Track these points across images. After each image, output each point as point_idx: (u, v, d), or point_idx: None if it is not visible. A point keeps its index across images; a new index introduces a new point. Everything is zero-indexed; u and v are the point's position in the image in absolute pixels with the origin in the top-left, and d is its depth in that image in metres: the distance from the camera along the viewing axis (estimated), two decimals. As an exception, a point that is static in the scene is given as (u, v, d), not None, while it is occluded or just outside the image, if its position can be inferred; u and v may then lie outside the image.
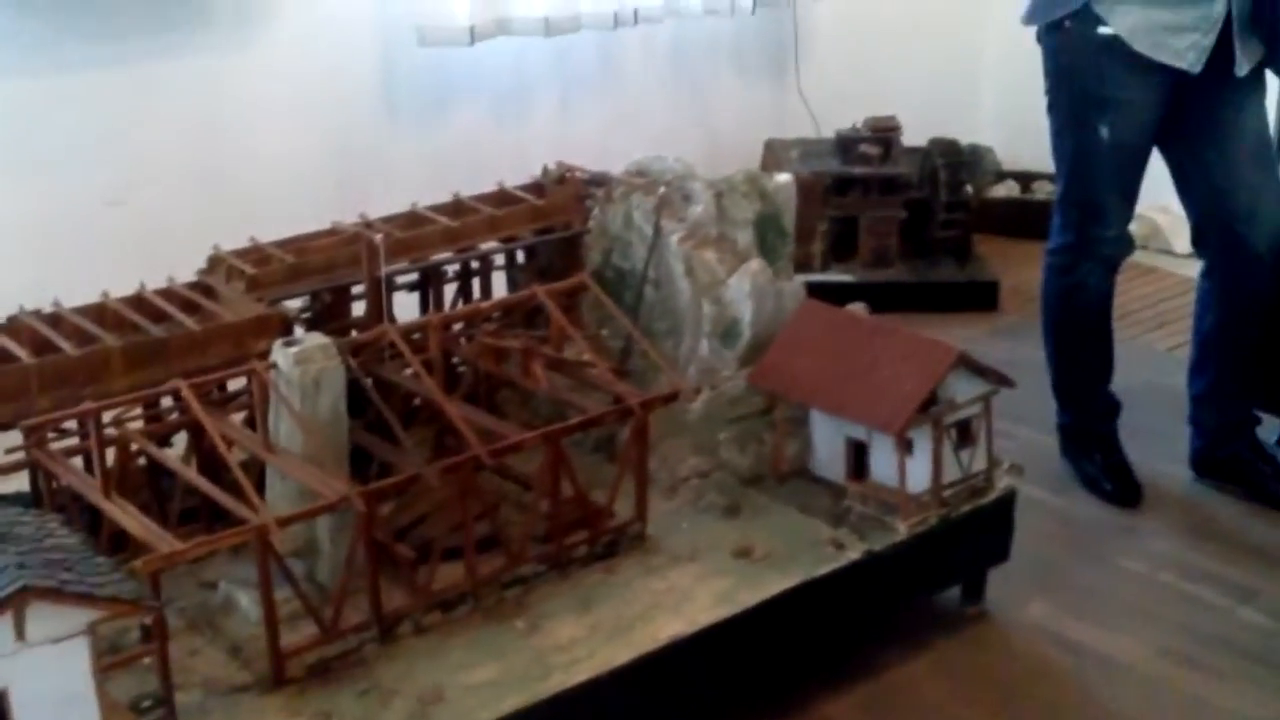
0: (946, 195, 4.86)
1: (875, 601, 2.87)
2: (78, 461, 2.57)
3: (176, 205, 3.74)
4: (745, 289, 3.06)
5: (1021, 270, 4.76)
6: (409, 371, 2.78)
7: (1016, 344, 4.20)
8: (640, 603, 2.62)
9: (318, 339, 2.56)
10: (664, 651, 2.50)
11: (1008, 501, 3.01)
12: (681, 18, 4.72)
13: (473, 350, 3.01)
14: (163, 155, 3.74)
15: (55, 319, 2.76)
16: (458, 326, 3.07)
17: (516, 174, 3.46)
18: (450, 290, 3.28)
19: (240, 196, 3.80)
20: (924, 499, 2.84)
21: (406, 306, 3.17)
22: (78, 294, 2.83)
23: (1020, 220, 5.35)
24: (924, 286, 4.86)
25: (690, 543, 2.80)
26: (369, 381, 2.73)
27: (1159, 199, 4.45)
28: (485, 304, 3.13)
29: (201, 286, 2.94)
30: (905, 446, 2.79)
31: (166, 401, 2.71)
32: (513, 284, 3.41)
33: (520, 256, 3.40)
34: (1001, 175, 5.42)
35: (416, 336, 2.89)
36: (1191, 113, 3.39)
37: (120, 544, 2.44)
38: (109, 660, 2.14)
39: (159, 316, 2.82)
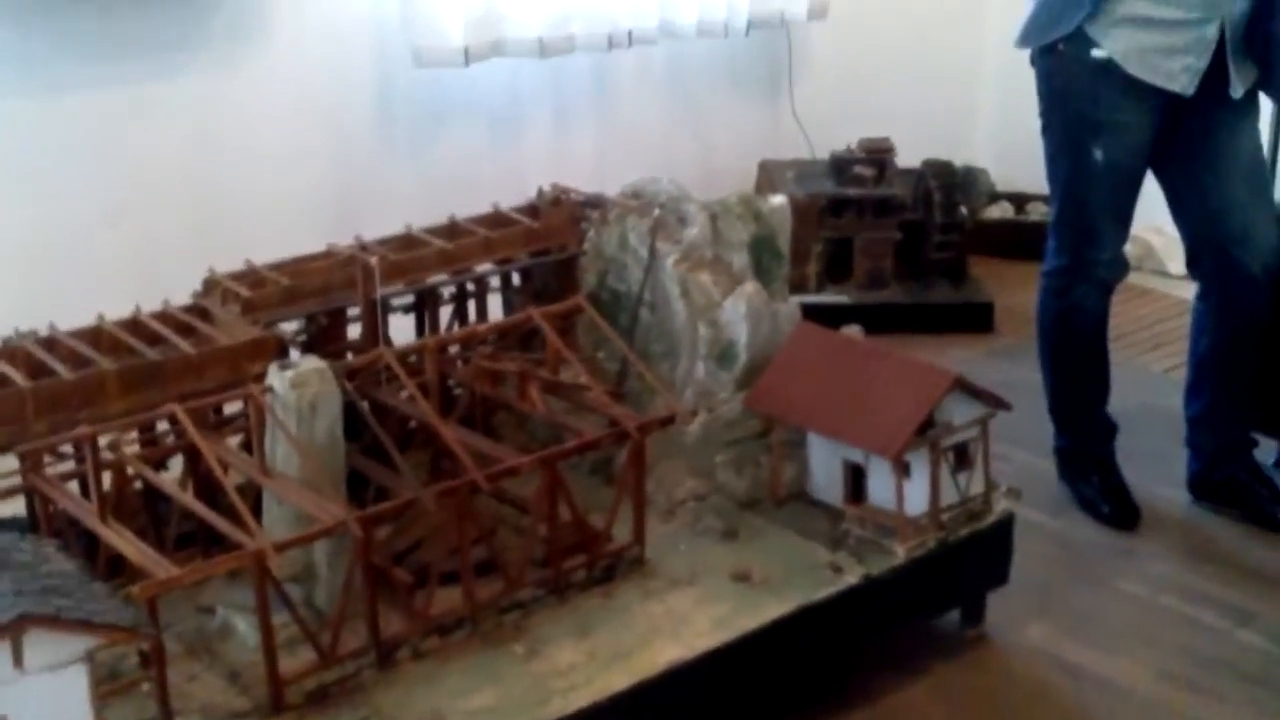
0: (941, 216, 4.85)
1: (874, 625, 2.86)
2: (74, 486, 2.55)
3: (172, 227, 3.73)
4: (741, 311, 3.05)
5: (1016, 292, 4.76)
6: (405, 394, 2.78)
7: (1012, 366, 4.20)
8: (639, 627, 2.61)
9: (314, 362, 2.56)
10: (663, 677, 2.49)
11: (1006, 525, 3.01)
12: (676, 39, 4.72)
13: (469, 373, 3.00)
14: (158, 176, 3.74)
15: (50, 342, 2.75)
16: (454, 349, 3.07)
17: (511, 196, 3.46)
18: (446, 312, 3.27)
19: (236, 218, 3.80)
20: (922, 522, 2.83)
21: (402, 329, 3.17)
22: (73, 316, 2.82)
23: (1015, 241, 5.34)
24: (919, 308, 4.86)
25: (688, 566, 2.79)
26: (365, 405, 2.72)
27: (1153, 220, 4.45)
28: (481, 327, 3.13)
29: (197, 309, 2.93)
30: (903, 470, 2.79)
31: (162, 425, 2.70)
32: (508, 306, 3.40)
33: (516, 279, 3.39)
34: (996, 196, 5.42)
35: (412, 359, 2.89)
36: (1185, 135, 3.39)
37: (117, 568, 2.43)
38: (107, 687, 2.13)
39: (154, 339, 2.81)
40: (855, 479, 2.90)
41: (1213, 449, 3.66)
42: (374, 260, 2.94)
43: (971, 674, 3.00)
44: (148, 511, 2.65)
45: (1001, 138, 5.41)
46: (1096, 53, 3.32)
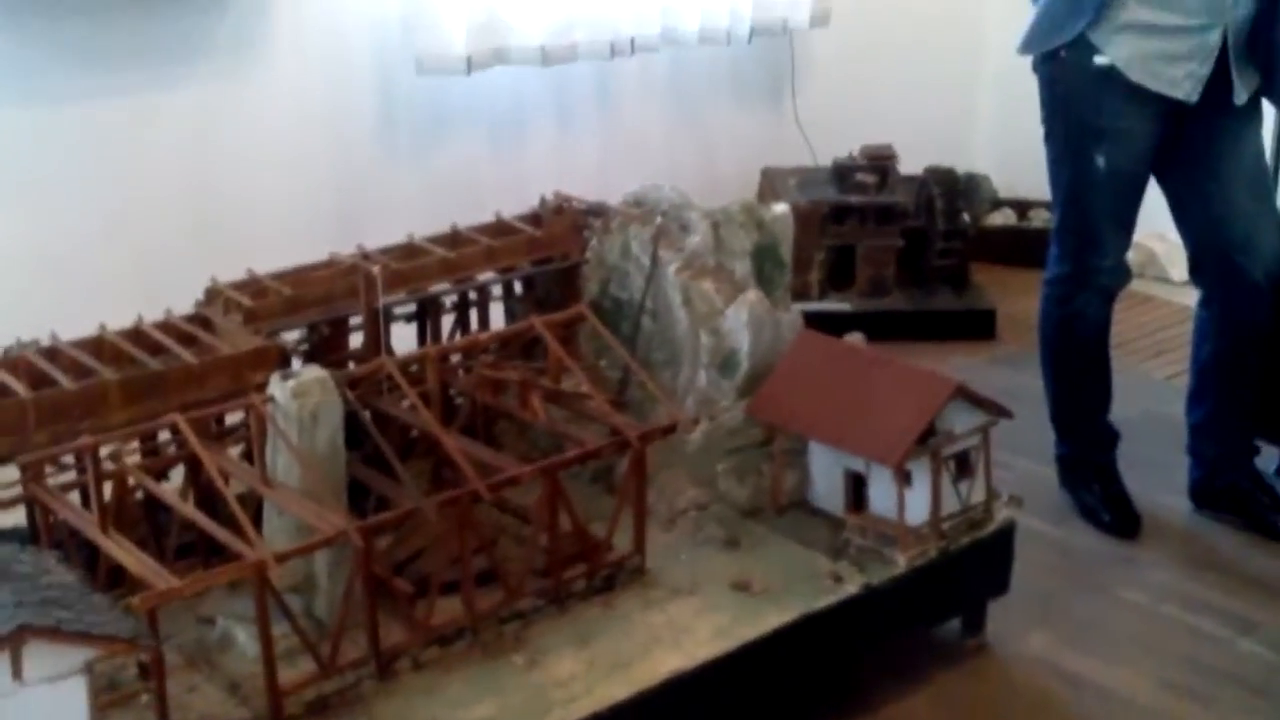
0: (943, 224, 4.86)
1: (875, 635, 2.86)
2: (75, 496, 2.56)
3: (174, 236, 3.74)
4: (743, 319, 3.05)
5: (1019, 298, 4.76)
6: (406, 404, 2.78)
7: (1014, 373, 4.20)
8: (639, 637, 2.61)
9: (315, 372, 2.55)
10: (663, 687, 2.49)
11: (1007, 533, 3.01)
12: (678, 47, 4.72)
13: (470, 382, 3.01)
14: (160, 185, 3.74)
15: (52, 352, 2.75)
16: (455, 358, 3.07)
17: (514, 204, 3.46)
18: (448, 321, 3.27)
19: (238, 228, 3.80)
20: (923, 531, 2.83)
21: (404, 338, 3.17)
22: (74, 326, 2.82)
23: (1017, 248, 5.35)
24: (921, 315, 4.86)
25: (689, 576, 2.79)
26: (366, 414, 2.73)
27: (1156, 227, 4.47)
28: (483, 335, 3.13)
29: (199, 319, 2.93)
30: (904, 478, 2.78)
31: (164, 435, 2.70)
32: (510, 315, 3.41)
33: (518, 287, 3.40)
34: (998, 203, 5.42)
35: (414, 368, 2.89)
36: (1188, 142, 3.39)
37: (118, 578, 2.43)
38: (107, 698, 2.14)
39: (156, 349, 2.81)
40: (856, 488, 2.90)
41: (1214, 457, 3.66)
42: (376, 269, 2.94)
43: (972, 683, 3.00)
44: (148, 521, 2.65)
45: (1003, 144, 5.41)
46: (1099, 59, 3.32)
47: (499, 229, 3.37)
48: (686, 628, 2.63)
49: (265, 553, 2.29)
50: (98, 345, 2.80)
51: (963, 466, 2.88)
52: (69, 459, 2.58)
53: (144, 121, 3.69)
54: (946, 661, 3.05)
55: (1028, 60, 3.49)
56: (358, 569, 2.39)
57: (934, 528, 2.84)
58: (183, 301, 2.97)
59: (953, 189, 4.88)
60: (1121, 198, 3.47)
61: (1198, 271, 3.58)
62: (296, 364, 2.87)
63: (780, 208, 3.33)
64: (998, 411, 2.90)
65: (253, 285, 3.02)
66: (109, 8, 3.57)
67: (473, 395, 2.99)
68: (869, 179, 4.87)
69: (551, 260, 3.35)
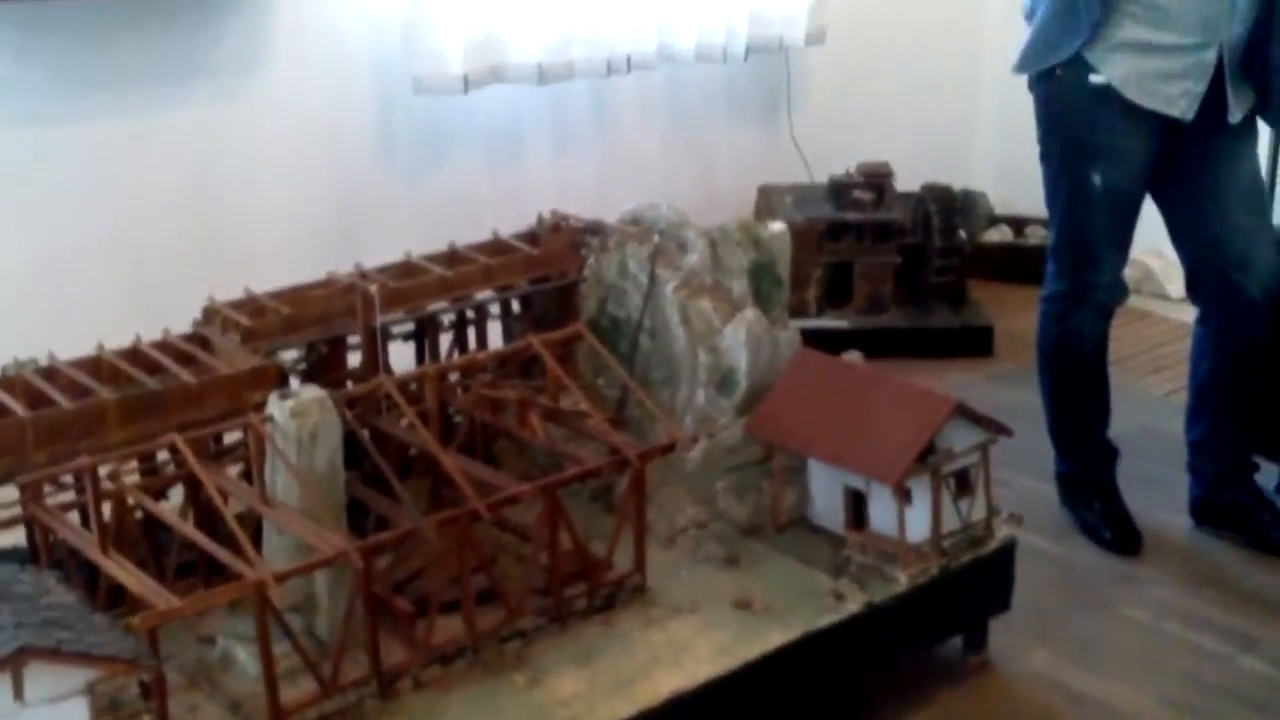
0: (940, 240, 4.87)
1: (876, 653, 2.85)
2: (74, 516, 2.55)
3: (172, 256, 3.74)
4: (741, 338, 3.05)
5: (1016, 315, 4.76)
6: (405, 423, 2.77)
7: (1013, 390, 4.20)
8: (640, 655, 2.60)
9: (314, 392, 2.55)
10: (665, 706, 2.48)
11: (1008, 551, 3.00)
12: (674, 65, 4.74)
13: (469, 401, 3.00)
14: (157, 206, 3.75)
15: (50, 372, 2.75)
16: (454, 377, 3.06)
17: (511, 223, 3.46)
18: (446, 340, 3.27)
19: (235, 247, 3.81)
20: (923, 549, 2.83)
21: (402, 357, 3.17)
22: (73, 346, 2.82)
23: (1014, 265, 5.36)
24: (919, 332, 4.87)
25: (689, 594, 2.79)
26: (365, 433, 2.72)
27: (1153, 243, 4.46)
28: (481, 354, 3.13)
29: (197, 338, 2.93)
30: (904, 496, 2.78)
31: (163, 455, 2.69)
32: (508, 333, 3.40)
33: (516, 306, 3.39)
34: (995, 220, 5.43)
35: (413, 387, 2.88)
36: (1184, 160, 3.40)
37: (118, 598, 2.42)
38: (108, 718, 2.12)
39: (154, 369, 2.80)
40: (856, 505, 2.89)
41: (1214, 473, 3.66)
42: (374, 288, 2.94)
43: (974, 701, 2.99)
44: (148, 541, 2.65)
45: (1000, 161, 5.43)
46: (1095, 78, 3.33)
47: (497, 247, 3.37)
48: (687, 646, 2.63)
49: (265, 572, 2.28)
50: (96, 365, 2.80)
51: (963, 484, 2.88)
52: (68, 479, 2.57)
53: (143, 141, 3.70)
54: (948, 679, 3.04)
55: (1024, 78, 3.50)
56: (358, 588, 2.38)
57: (935, 545, 2.84)
58: (181, 321, 2.97)
59: (949, 206, 4.88)
60: (1118, 215, 3.47)
61: (1195, 289, 3.58)
62: (295, 383, 2.87)
63: (777, 226, 3.33)
64: (997, 429, 2.90)
65: (251, 304, 3.02)
66: (109, 29, 3.58)
67: (471, 414, 2.99)
68: (866, 196, 4.88)
69: (549, 279, 3.35)
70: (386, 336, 3.04)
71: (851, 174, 4.95)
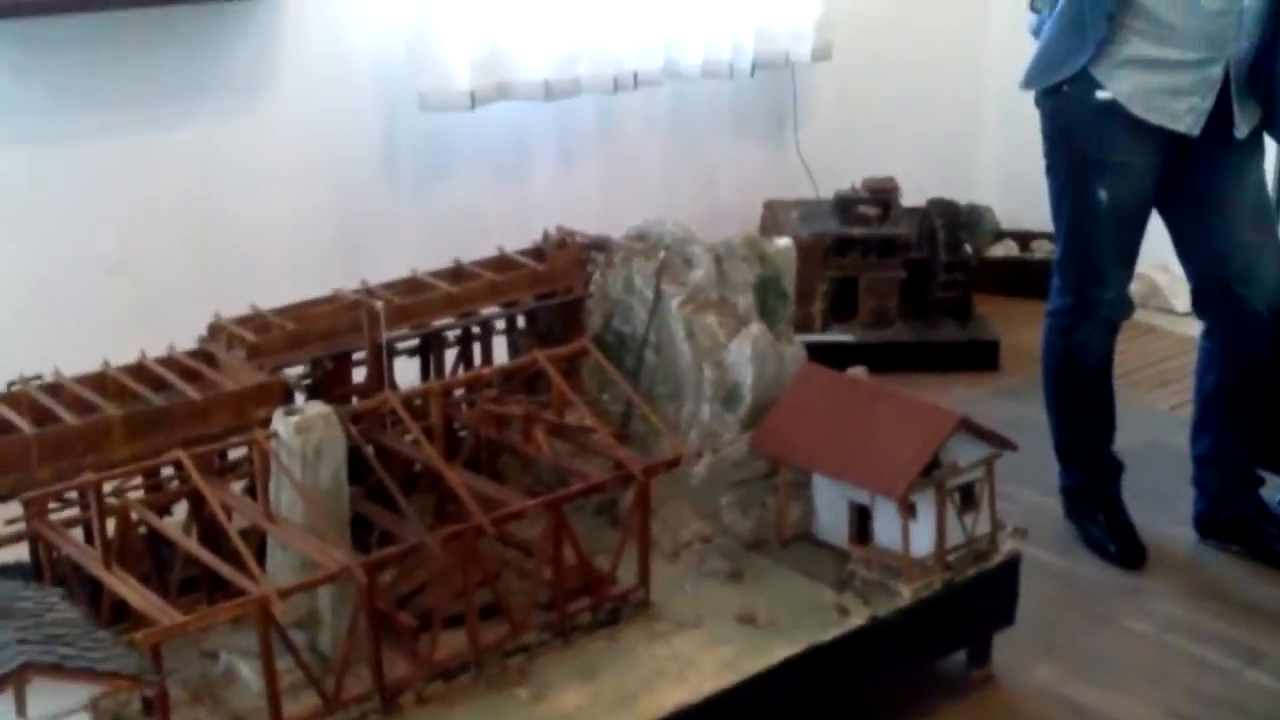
0: (946, 255, 4.86)
1: (880, 667, 2.85)
2: (78, 532, 2.55)
3: (177, 272, 3.75)
4: (746, 353, 3.05)
5: (1022, 330, 4.76)
6: (410, 438, 2.78)
7: (1018, 404, 4.19)
8: (644, 670, 2.60)
9: (319, 408, 2.56)
10: (669, 721, 2.49)
11: (1012, 565, 3.00)
12: (681, 80, 4.75)
13: (474, 416, 3.01)
14: (163, 222, 3.76)
15: (55, 388, 2.75)
16: (459, 393, 3.07)
17: (517, 239, 3.47)
18: (451, 356, 3.27)
19: (241, 263, 3.81)
20: (928, 563, 2.83)
21: (407, 373, 3.17)
22: (78, 362, 2.82)
23: (1020, 279, 5.36)
24: (924, 346, 4.86)
25: (694, 609, 2.79)
26: (370, 449, 2.73)
27: (1158, 258, 4.47)
28: (486, 370, 3.13)
29: (202, 354, 2.94)
30: (908, 511, 2.78)
31: (167, 470, 2.70)
32: (514, 349, 3.41)
33: (521, 321, 3.40)
34: (1000, 235, 5.43)
35: (417, 403, 2.89)
36: (1190, 175, 3.40)
37: (121, 613, 2.42)
38: (110, 734, 2.13)
39: (160, 385, 2.81)
40: (861, 520, 2.89)
41: (1219, 487, 3.65)
42: (379, 304, 2.95)
43: (978, 715, 2.99)
44: (151, 557, 2.65)
45: (1006, 176, 5.43)
46: (1101, 94, 3.33)
47: (502, 263, 3.37)
48: (692, 660, 2.63)
49: (269, 588, 2.29)
50: (101, 381, 2.80)
51: (967, 498, 2.88)
52: (72, 495, 2.58)
53: (147, 157, 3.71)
54: (952, 693, 3.04)
55: (1029, 93, 3.50)
56: (361, 604, 2.38)
57: (939, 560, 2.84)
58: (186, 337, 2.98)
59: (955, 220, 4.89)
60: (1123, 231, 3.47)
61: (1200, 303, 3.58)
62: (300, 399, 2.87)
63: (783, 241, 3.33)
64: (1002, 444, 2.90)
65: (256, 321, 3.02)
66: (113, 46, 3.59)
67: (476, 429, 3.00)
68: (871, 211, 4.88)
69: (554, 294, 3.35)
70: (392, 352, 3.05)
71: (857, 189, 4.96)
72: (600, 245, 3.39)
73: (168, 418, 2.67)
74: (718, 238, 3.29)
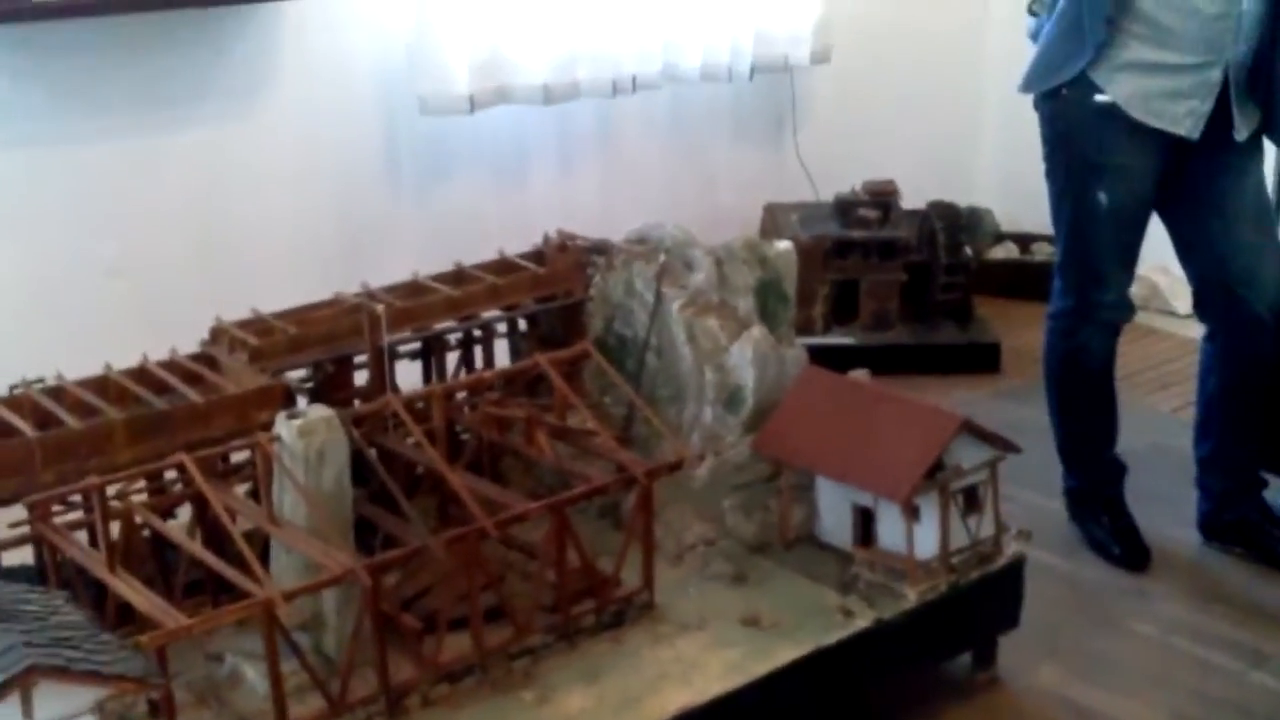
0: (946, 257, 4.86)
1: (884, 670, 2.84)
2: (82, 535, 2.55)
3: (178, 276, 3.75)
4: (747, 356, 3.05)
5: (1023, 332, 4.76)
6: (412, 441, 2.78)
7: (1020, 406, 4.19)
8: (649, 672, 2.60)
9: (321, 411, 2.55)
10: (674, 723, 2.48)
11: (1017, 567, 3.00)
12: (680, 84, 4.75)
13: (476, 419, 3.00)
14: (164, 226, 3.76)
15: (58, 392, 2.75)
16: (461, 396, 3.07)
17: (517, 242, 3.47)
18: (452, 359, 3.27)
19: (242, 267, 3.81)
20: (932, 566, 2.82)
21: (409, 376, 3.17)
22: (80, 366, 2.82)
23: (1020, 282, 5.36)
24: (925, 349, 4.86)
25: (697, 611, 2.79)
26: (372, 452, 2.73)
27: (1159, 260, 4.47)
28: (488, 373, 3.13)
29: (204, 358, 2.93)
30: (912, 513, 2.78)
31: (170, 474, 2.69)
32: (515, 352, 3.41)
33: (522, 325, 3.40)
34: (1000, 237, 5.43)
35: (420, 406, 2.88)
36: (1190, 178, 3.40)
37: (126, 616, 2.42)
38: (116, 737, 2.12)
39: (162, 388, 2.81)
40: (864, 522, 2.89)
41: (1222, 490, 3.65)
42: (381, 307, 2.95)
43: (983, 717, 2.99)
44: (156, 560, 2.65)
45: (1006, 178, 5.43)
46: (1100, 97, 3.33)
47: (503, 267, 3.37)
48: (696, 663, 2.62)
49: (273, 591, 2.28)
50: (103, 385, 2.80)
51: (971, 501, 2.88)
52: (76, 498, 2.57)
53: (148, 161, 3.71)
54: (957, 696, 3.03)
55: (1028, 95, 3.50)
56: (366, 606, 2.38)
57: (943, 562, 2.83)
58: (187, 340, 2.97)
59: (955, 223, 4.89)
60: (1124, 233, 3.47)
61: (1202, 306, 3.58)
62: (302, 403, 2.87)
63: (783, 244, 3.33)
64: (1005, 446, 2.89)
65: (258, 324, 3.02)
66: (115, 51, 3.59)
67: (478, 432, 2.99)
68: (871, 214, 4.88)
69: (555, 298, 3.35)
70: (393, 356, 3.05)
71: (857, 192, 4.96)
72: (601, 248, 3.39)
73: (170, 421, 2.67)
74: (718, 241, 3.29)
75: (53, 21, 3.41)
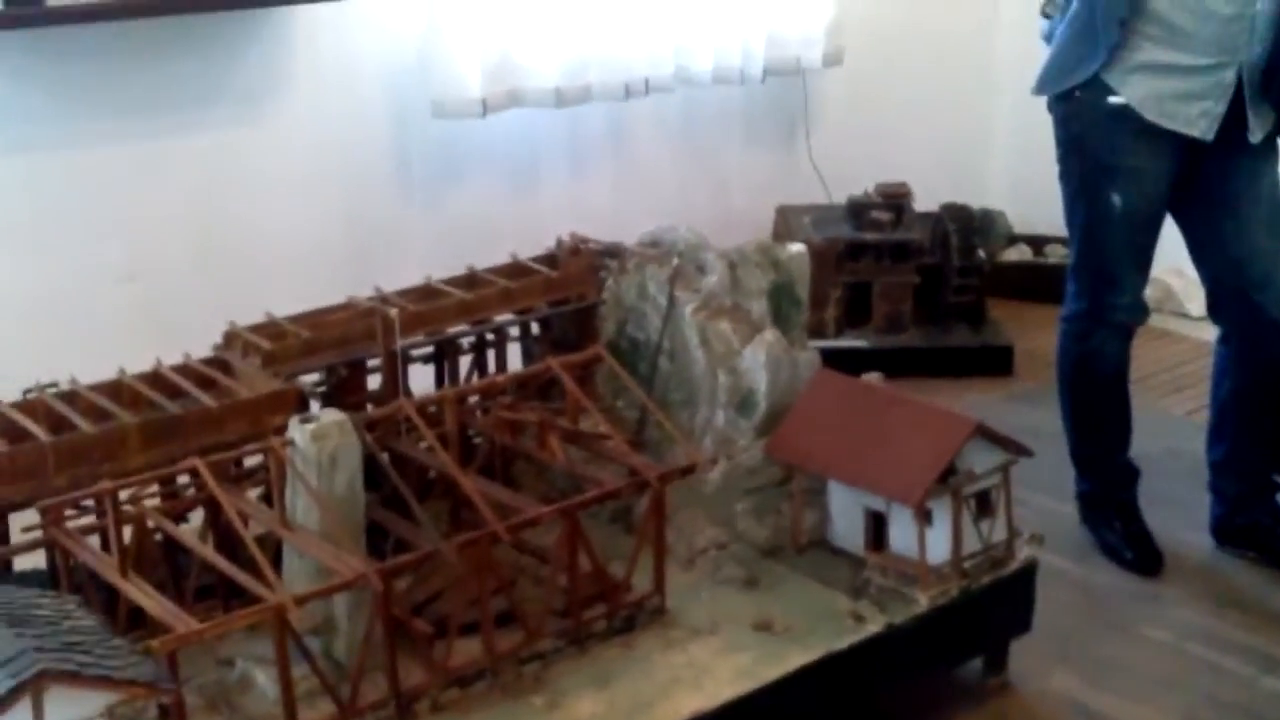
0: (959, 260, 4.86)
1: (896, 674, 2.84)
2: (95, 539, 2.55)
3: (191, 281, 3.76)
4: (760, 359, 3.05)
5: (1036, 334, 4.75)
6: (424, 445, 2.78)
7: (1033, 409, 4.18)
8: (660, 677, 2.60)
9: (334, 415, 2.56)
10: (685, 728, 2.48)
11: (1029, 572, 2.99)
12: (692, 87, 4.74)
13: (488, 423, 3.00)
14: (177, 230, 3.76)
15: (71, 396, 2.76)
16: (473, 400, 3.07)
17: (530, 245, 3.46)
18: (465, 363, 3.27)
19: (255, 271, 3.82)
20: (944, 570, 2.82)
21: (422, 379, 3.17)
22: (93, 371, 2.83)
23: (1033, 284, 5.35)
24: (938, 352, 4.86)
25: (709, 616, 2.78)
26: (385, 456, 2.73)
27: (1173, 262, 4.45)
28: (500, 377, 3.13)
29: (217, 362, 2.94)
30: (924, 518, 2.77)
31: (183, 478, 2.70)
32: (527, 356, 3.41)
33: (535, 328, 3.39)
34: (1013, 239, 5.41)
35: (432, 410, 2.89)
36: (1204, 180, 3.39)
37: (138, 620, 2.42)
38: (127, 742, 2.12)
39: (175, 393, 2.81)
40: (876, 527, 2.89)
41: (1236, 494, 3.64)
42: (393, 312, 2.95)
43: (995, 723, 2.99)
44: (168, 564, 2.65)
45: (1018, 181, 5.42)
46: (1113, 99, 3.33)
47: (515, 270, 3.37)
48: (707, 668, 2.62)
49: (285, 595, 2.28)
50: (116, 389, 2.80)
51: (983, 505, 2.87)
52: (89, 502, 2.57)
53: (160, 165, 3.71)
54: (969, 701, 3.03)
55: (1041, 97, 3.50)
56: (377, 611, 2.38)
57: (955, 567, 2.83)
58: (199, 345, 2.98)
59: (968, 225, 4.88)
60: (1137, 236, 3.46)
61: (1216, 309, 3.58)
62: (315, 407, 2.87)
63: (796, 247, 3.33)
64: (1018, 450, 2.89)
65: (271, 328, 3.02)
66: (125, 56, 3.60)
67: (491, 436, 2.99)
68: (884, 216, 4.87)
69: (568, 301, 3.35)
70: (406, 359, 3.04)
71: (870, 194, 4.95)
72: (613, 252, 3.39)
73: (183, 425, 2.67)
74: (730, 244, 3.29)
75: (65, 26, 3.42)
